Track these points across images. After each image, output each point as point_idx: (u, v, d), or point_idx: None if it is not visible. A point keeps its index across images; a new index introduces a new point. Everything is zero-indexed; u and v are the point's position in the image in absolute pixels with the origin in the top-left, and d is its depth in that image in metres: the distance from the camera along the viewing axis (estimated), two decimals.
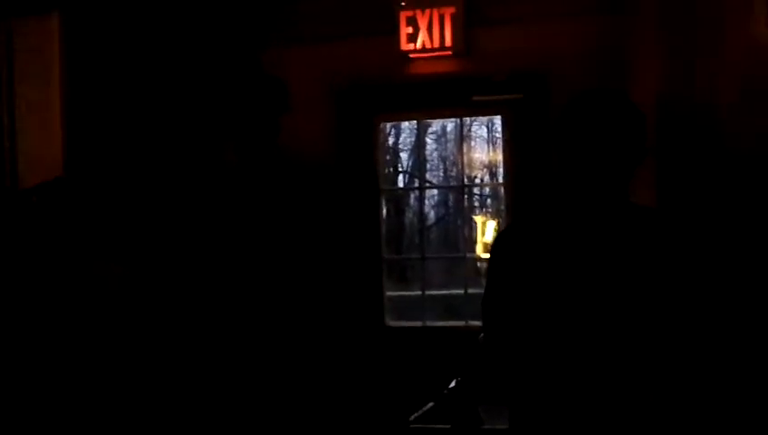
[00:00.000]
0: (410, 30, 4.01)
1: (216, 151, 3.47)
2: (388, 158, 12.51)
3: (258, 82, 3.04)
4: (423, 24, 3.99)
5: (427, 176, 13.01)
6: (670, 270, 1.53)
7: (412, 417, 3.51)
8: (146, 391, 2.88)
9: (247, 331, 3.38)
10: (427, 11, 3.98)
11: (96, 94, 3.57)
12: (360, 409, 4.01)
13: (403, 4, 4.01)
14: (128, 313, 2.92)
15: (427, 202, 12.61)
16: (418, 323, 4.32)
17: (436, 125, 12.67)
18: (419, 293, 4.47)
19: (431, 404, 3.49)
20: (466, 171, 10.96)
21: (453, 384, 3.36)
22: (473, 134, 12.59)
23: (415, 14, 4.00)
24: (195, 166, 3.51)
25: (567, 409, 1.55)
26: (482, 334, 3.31)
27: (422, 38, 4.00)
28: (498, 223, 9.07)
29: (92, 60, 3.58)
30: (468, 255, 4.77)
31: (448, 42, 3.98)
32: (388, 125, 10.65)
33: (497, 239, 1.75)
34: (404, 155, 13.66)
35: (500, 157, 4.52)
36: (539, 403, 1.60)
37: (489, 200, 12.28)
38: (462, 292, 4.40)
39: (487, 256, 4.61)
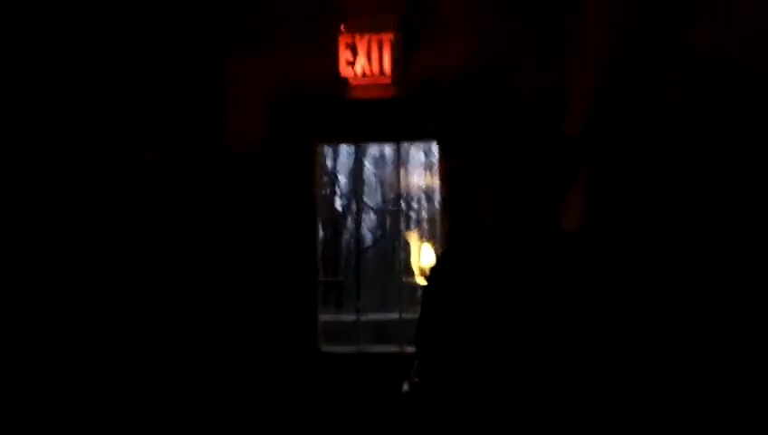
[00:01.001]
0: (349, 56, 4.03)
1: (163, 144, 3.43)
2: (326, 179, 12.48)
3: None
4: (362, 50, 4.01)
5: (365, 199, 13.03)
6: (595, 296, 1.56)
7: None
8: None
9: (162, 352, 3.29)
10: (366, 36, 4.02)
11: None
12: None
13: (342, 29, 4.03)
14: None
15: (364, 225, 12.61)
16: (353, 349, 4.30)
17: (374, 148, 12.73)
18: (354, 317, 4.45)
19: None
20: (404, 195, 11.03)
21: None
22: (411, 158, 12.70)
23: (354, 40, 4.02)
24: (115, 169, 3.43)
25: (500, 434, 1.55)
26: (416, 360, 3.32)
27: (361, 64, 4.02)
28: (433, 246, 9.13)
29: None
30: (404, 279, 4.76)
31: (387, 69, 4.01)
32: (327, 148, 10.64)
33: (433, 268, 1.75)
34: (342, 177, 13.66)
35: (437, 181, 4.57)
36: (473, 430, 1.60)
37: (427, 224, 12.37)
38: (397, 316, 4.40)
39: (422, 281, 4.62)
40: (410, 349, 4.01)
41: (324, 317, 4.39)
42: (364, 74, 4.03)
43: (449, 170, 4.15)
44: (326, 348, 4.27)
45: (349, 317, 4.74)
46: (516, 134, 1.62)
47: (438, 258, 1.81)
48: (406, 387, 3.29)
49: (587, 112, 3.02)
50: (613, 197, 2.69)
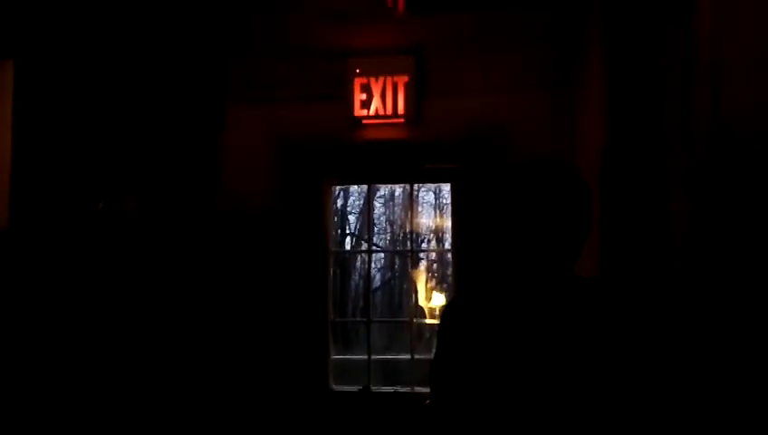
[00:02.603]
0: (364, 96, 4.10)
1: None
2: (335, 219, 12.52)
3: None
4: (377, 91, 4.09)
5: (375, 239, 13.05)
6: (613, 341, 1.55)
7: None
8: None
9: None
10: (381, 78, 4.10)
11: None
12: None
13: (358, 71, 4.11)
14: None
15: (373, 265, 12.61)
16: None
17: (384, 189, 12.78)
18: (365, 357, 4.42)
19: None
20: (413, 236, 11.05)
21: None
22: (421, 199, 12.73)
23: (369, 82, 4.11)
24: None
25: None
26: (428, 401, 3.29)
27: (375, 105, 4.09)
28: (443, 288, 9.09)
29: (45, 108, 3.54)
30: (414, 320, 4.75)
31: (401, 109, 4.08)
32: (338, 188, 10.71)
33: (447, 308, 1.75)
34: (352, 217, 13.70)
35: (447, 223, 4.59)
36: None
37: (436, 265, 12.36)
38: (408, 357, 4.38)
39: (432, 321, 4.59)
40: (421, 389, 3.98)
41: (334, 357, 4.37)
42: (377, 114, 4.10)
43: (461, 212, 4.18)
44: (337, 387, 4.25)
45: (360, 357, 4.71)
46: (534, 177, 1.61)
47: (454, 298, 1.81)
48: (427, 402, 3.27)
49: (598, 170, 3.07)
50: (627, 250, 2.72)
